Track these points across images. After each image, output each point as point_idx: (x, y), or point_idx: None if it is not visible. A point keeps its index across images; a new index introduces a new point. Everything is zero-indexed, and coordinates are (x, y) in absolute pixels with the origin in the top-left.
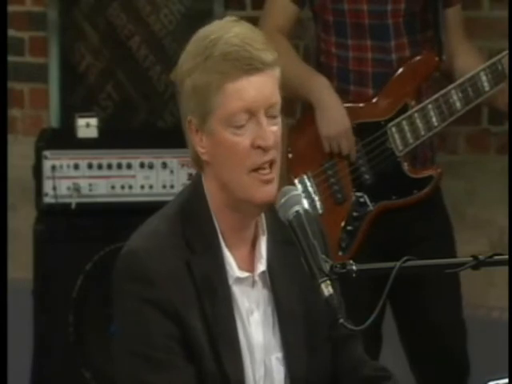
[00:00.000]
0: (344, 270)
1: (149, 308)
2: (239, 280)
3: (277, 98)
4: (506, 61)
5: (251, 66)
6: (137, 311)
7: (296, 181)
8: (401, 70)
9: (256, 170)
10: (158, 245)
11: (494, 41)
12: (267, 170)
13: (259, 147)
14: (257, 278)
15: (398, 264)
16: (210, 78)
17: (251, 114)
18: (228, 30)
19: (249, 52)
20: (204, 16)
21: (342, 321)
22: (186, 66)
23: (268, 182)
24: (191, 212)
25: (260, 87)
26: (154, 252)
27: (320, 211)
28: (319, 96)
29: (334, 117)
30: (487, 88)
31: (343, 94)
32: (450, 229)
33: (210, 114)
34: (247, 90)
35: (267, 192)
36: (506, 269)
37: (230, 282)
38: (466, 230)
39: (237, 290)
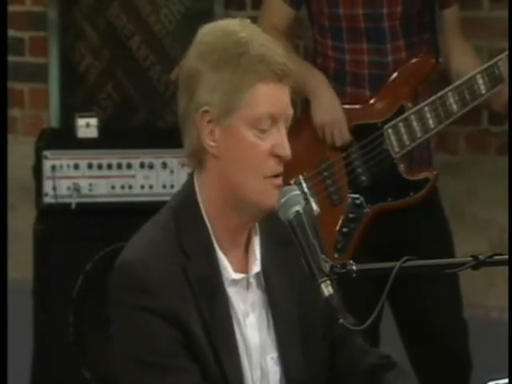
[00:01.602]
0: (344, 270)
1: (150, 316)
2: (234, 282)
3: (292, 111)
4: (502, 64)
5: (284, 72)
6: (138, 320)
7: (291, 182)
8: (397, 72)
9: (271, 176)
10: (154, 254)
11: (494, 41)
12: (279, 178)
13: (277, 156)
14: (252, 280)
15: (398, 264)
16: (244, 75)
17: (274, 120)
18: (254, 32)
19: (281, 58)
20: (204, 16)
21: (342, 321)
22: (209, 56)
23: (278, 187)
24: (184, 217)
25: (284, 96)
26: (150, 262)
27: (316, 212)
28: (315, 89)
29: (329, 106)
30: (484, 91)
31: (340, 96)
32: (448, 231)
33: (234, 110)
34: (276, 96)
35: (275, 197)
36: (505, 269)
37: (226, 284)
38: (465, 230)
39: (232, 293)
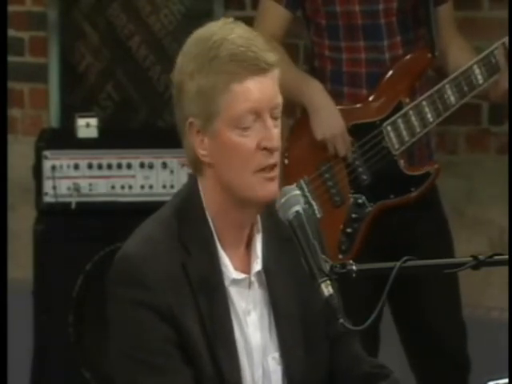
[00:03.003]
0: (344, 270)
1: (145, 312)
2: (235, 281)
3: (280, 99)
4: (498, 53)
5: (257, 67)
6: (133, 315)
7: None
8: (394, 68)
9: (260, 170)
10: (153, 250)
11: (494, 41)
12: (271, 171)
13: (265, 149)
14: (253, 279)
15: (398, 264)
16: (217, 78)
17: (257, 115)
18: (230, 31)
19: (254, 53)
20: (204, 16)
21: (342, 321)
22: (187, 67)
23: (271, 179)
24: (187, 214)
25: (265, 88)
26: (149, 257)
27: (318, 216)
28: (312, 99)
29: (328, 119)
30: (481, 81)
31: (337, 97)
32: (447, 229)
33: (215, 116)
34: (253, 91)
35: (270, 190)
36: (505, 269)
37: (227, 283)
38: (465, 230)
39: (233, 291)
